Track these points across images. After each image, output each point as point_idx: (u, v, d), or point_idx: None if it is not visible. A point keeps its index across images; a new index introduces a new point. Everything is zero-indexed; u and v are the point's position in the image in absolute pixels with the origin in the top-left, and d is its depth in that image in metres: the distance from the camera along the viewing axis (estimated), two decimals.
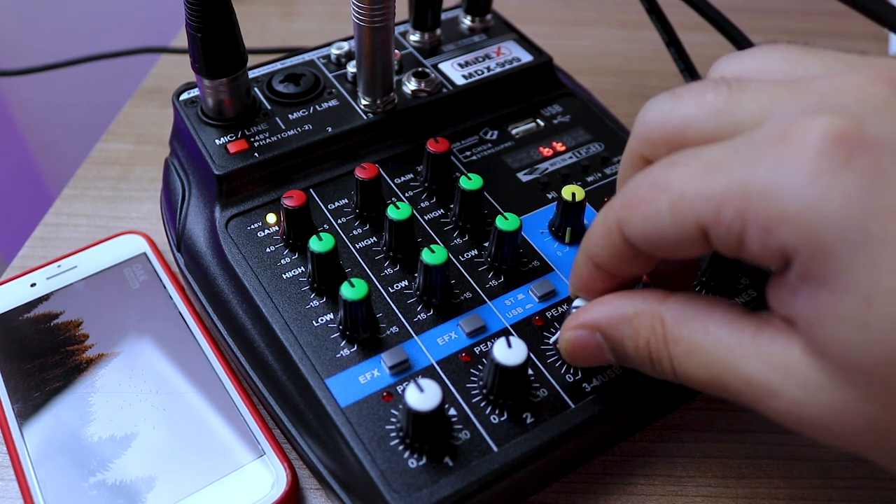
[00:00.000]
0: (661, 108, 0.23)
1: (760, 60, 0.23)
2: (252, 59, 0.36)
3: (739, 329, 0.22)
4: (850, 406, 0.19)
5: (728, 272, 0.32)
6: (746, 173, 0.19)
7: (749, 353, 0.21)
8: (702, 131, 0.22)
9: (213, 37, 0.32)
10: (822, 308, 0.19)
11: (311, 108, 0.37)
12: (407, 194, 0.35)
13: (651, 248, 0.22)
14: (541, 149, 0.38)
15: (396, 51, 0.40)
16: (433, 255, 0.29)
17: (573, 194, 0.32)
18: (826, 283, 0.19)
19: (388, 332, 0.30)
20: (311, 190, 0.35)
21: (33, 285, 0.37)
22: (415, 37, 0.41)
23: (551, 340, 0.30)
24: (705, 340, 0.22)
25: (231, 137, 0.35)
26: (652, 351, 0.24)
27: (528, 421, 0.28)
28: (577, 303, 0.28)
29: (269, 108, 0.37)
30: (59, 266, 0.38)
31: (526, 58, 0.41)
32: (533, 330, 0.31)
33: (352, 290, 0.28)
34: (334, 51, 0.40)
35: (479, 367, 0.29)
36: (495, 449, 0.27)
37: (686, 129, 0.22)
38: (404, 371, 0.29)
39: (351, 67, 0.39)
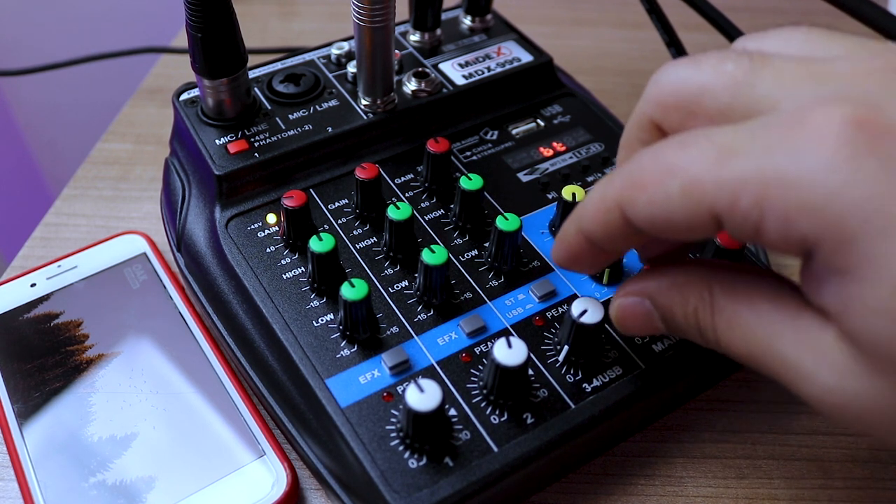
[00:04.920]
0: (677, 73, 0.23)
1: (784, 41, 0.23)
2: (252, 59, 0.36)
3: (782, 307, 0.21)
4: (884, 396, 0.19)
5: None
6: (764, 161, 0.19)
7: (787, 332, 0.21)
8: (718, 102, 0.21)
9: (213, 37, 0.32)
10: (851, 298, 0.18)
11: (311, 108, 0.37)
12: (407, 194, 0.35)
13: (655, 229, 0.22)
14: (541, 149, 0.38)
15: (396, 51, 0.40)
16: (433, 256, 0.29)
17: (573, 194, 0.32)
18: (853, 273, 0.18)
19: (389, 333, 0.30)
20: (311, 190, 0.35)
21: (33, 285, 0.37)
22: (415, 37, 0.41)
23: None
24: (748, 314, 0.22)
25: (231, 137, 0.35)
26: (699, 319, 0.23)
27: (529, 421, 0.28)
28: (576, 304, 0.28)
29: (269, 108, 0.37)
30: (59, 266, 0.38)
31: (526, 58, 0.41)
32: (533, 330, 0.31)
33: (352, 291, 0.28)
34: (334, 51, 0.40)
35: (480, 367, 0.29)
36: (495, 449, 0.27)
37: (702, 98, 0.22)
38: (404, 371, 0.29)
39: (351, 67, 0.39)
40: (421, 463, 0.27)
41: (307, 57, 0.40)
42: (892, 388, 0.19)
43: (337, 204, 0.35)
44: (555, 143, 0.38)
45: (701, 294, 0.23)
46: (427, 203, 0.35)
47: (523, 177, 0.37)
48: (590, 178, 0.37)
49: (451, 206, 0.35)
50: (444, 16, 0.43)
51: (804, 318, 0.21)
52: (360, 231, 0.34)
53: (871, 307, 0.18)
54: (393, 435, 0.27)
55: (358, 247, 0.33)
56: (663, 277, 0.25)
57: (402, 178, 0.36)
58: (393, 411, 0.28)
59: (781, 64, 0.21)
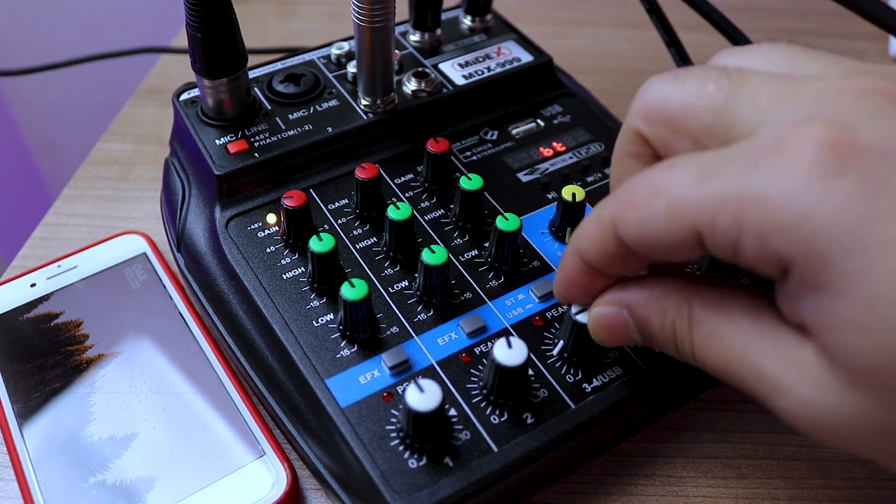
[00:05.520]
0: (661, 91, 0.23)
1: (761, 57, 0.23)
2: (252, 59, 0.36)
3: (760, 322, 0.22)
4: (860, 410, 0.19)
5: (728, 272, 0.32)
6: (742, 181, 0.19)
7: (765, 346, 0.21)
8: (701, 122, 0.22)
9: (213, 37, 0.32)
10: (827, 314, 0.19)
11: (311, 108, 0.37)
12: (407, 194, 0.35)
13: (643, 249, 0.22)
14: (541, 149, 0.38)
15: (396, 51, 0.40)
16: (433, 256, 0.29)
17: (573, 194, 0.32)
18: (826, 289, 0.19)
19: (389, 333, 0.30)
20: (311, 190, 0.35)
21: (33, 285, 0.37)
22: (415, 37, 0.41)
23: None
24: (727, 328, 0.22)
25: (231, 137, 0.35)
26: (677, 332, 0.24)
27: (529, 421, 0.28)
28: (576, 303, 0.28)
29: (269, 108, 0.37)
30: (59, 266, 0.38)
31: (526, 58, 0.41)
32: (533, 330, 0.31)
33: (352, 291, 0.28)
34: (334, 51, 0.40)
35: (480, 367, 0.29)
36: (495, 449, 0.27)
37: (686, 117, 0.22)
38: (404, 371, 0.29)
39: (351, 67, 0.39)
40: (421, 463, 0.27)
41: (307, 57, 0.40)
42: (866, 402, 0.19)
43: (337, 204, 0.35)
44: (555, 143, 0.38)
45: (679, 307, 0.24)
46: (427, 203, 0.35)
47: (523, 177, 0.37)
48: (590, 178, 0.37)
49: (451, 206, 0.35)
50: (444, 16, 0.43)
51: (782, 333, 0.21)
52: (360, 231, 0.34)
53: (845, 322, 0.19)
54: (393, 435, 0.27)
55: (358, 247, 0.33)
56: (642, 289, 0.25)
57: (402, 178, 0.36)
58: (393, 411, 0.28)
59: (759, 84, 0.21)
